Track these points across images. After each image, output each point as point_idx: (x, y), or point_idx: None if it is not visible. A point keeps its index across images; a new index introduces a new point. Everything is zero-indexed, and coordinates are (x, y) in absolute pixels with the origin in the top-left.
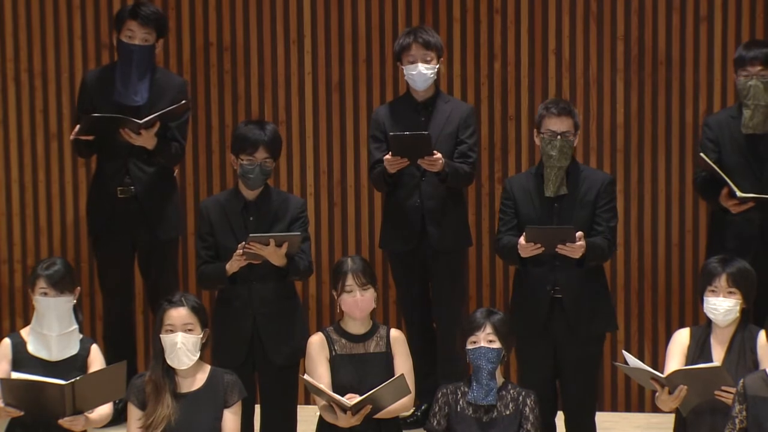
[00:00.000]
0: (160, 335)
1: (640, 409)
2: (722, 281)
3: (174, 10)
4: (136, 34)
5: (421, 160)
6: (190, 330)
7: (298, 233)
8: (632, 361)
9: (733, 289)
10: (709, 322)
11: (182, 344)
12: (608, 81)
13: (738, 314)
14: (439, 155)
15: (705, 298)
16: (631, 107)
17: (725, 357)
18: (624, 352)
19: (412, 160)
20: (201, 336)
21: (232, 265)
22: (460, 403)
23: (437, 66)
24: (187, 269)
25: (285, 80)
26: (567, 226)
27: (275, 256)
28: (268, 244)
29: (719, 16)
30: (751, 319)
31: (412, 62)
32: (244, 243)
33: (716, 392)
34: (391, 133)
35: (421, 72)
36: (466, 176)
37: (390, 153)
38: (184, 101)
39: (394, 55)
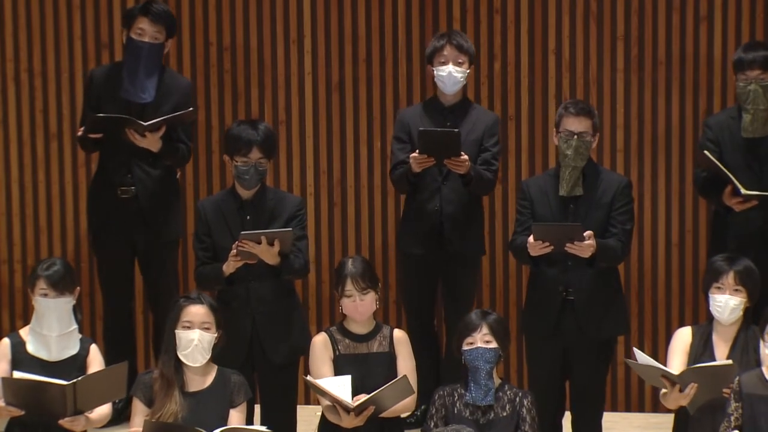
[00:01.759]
0: (176, 331)
1: (640, 409)
2: (729, 279)
3: (174, 10)
4: (146, 32)
5: (447, 160)
6: (207, 328)
7: (290, 229)
8: (643, 358)
9: (739, 287)
10: (710, 321)
11: (199, 341)
12: (608, 81)
13: (742, 312)
14: (466, 157)
15: (711, 295)
16: (631, 107)
17: (729, 355)
18: (634, 349)
19: (438, 159)
20: (216, 335)
21: (229, 266)
22: (457, 405)
23: (468, 71)
24: (187, 270)
25: (285, 80)
26: (574, 224)
27: (268, 254)
28: (260, 242)
29: (719, 16)
30: (750, 318)
31: (444, 63)
32: (237, 242)
33: (725, 390)
34: (421, 129)
35: (452, 74)
36: (489, 183)
37: (417, 151)
38: (191, 108)
39: (426, 57)
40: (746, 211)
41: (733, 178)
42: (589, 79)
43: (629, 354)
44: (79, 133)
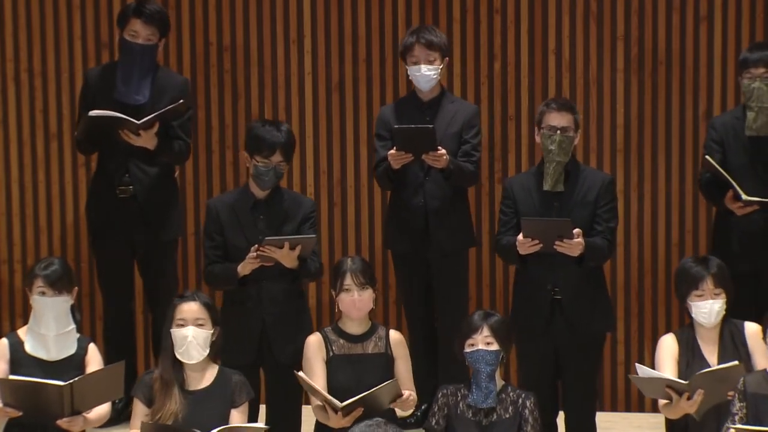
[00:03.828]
0: (171, 329)
1: (640, 409)
2: (709, 284)
3: (174, 10)
4: (140, 33)
5: (425, 155)
6: (201, 325)
7: (314, 236)
8: (645, 371)
9: (718, 290)
10: (690, 324)
11: (193, 338)
12: (608, 81)
13: (725, 312)
14: (443, 151)
15: (692, 303)
16: (631, 107)
17: (719, 354)
18: (637, 365)
19: (416, 155)
20: (212, 332)
21: (245, 267)
22: (460, 405)
23: (441, 66)
24: (186, 270)
25: (285, 80)
26: (563, 219)
27: (288, 258)
28: (282, 247)
29: (719, 16)
30: (752, 321)
31: (415, 63)
32: (257, 246)
33: (729, 393)
34: (395, 126)
35: (424, 73)
36: (471, 175)
37: (395, 147)
38: (181, 101)
39: (399, 54)
40: (750, 212)
41: (734, 184)
42: (589, 79)
43: (629, 353)
44: (76, 135)
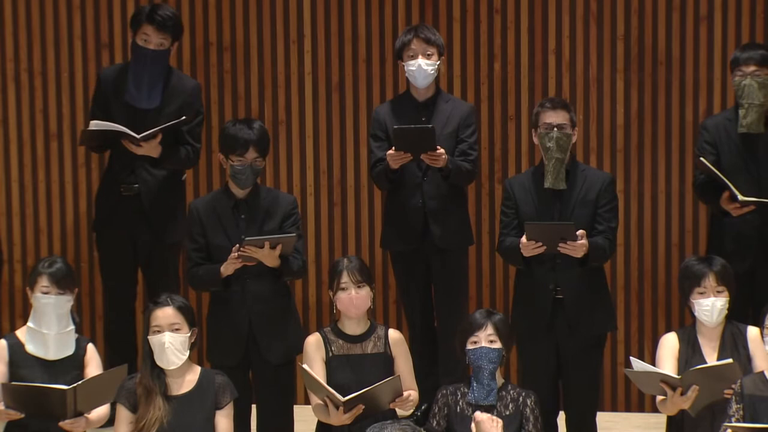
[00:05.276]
0: (148, 337)
1: (640, 409)
2: (711, 281)
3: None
4: (152, 39)
5: (424, 155)
6: (177, 329)
7: (293, 234)
8: (640, 365)
9: (721, 288)
10: (693, 323)
11: (170, 344)
12: (608, 81)
13: (727, 311)
14: (442, 150)
15: (694, 300)
16: (631, 107)
17: (719, 354)
18: (632, 358)
19: (415, 155)
20: (189, 335)
21: (227, 268)
22: (460, 403)
23: (438, 63)
24: None
25: (285, 80)
26: (567, 222)
27: (269, 258)
28: (262, 247)
29: (719, 16)
30: (750, 320)
31: (413, 57)
32: (238, 246)
33: (726, 391)
34: (395, 126)
35: (422, 67)
36: (468, 173)
37: (393, 148)
38: (183, 117)
39: (395, 53)
40: (745, 213)
41: (730, 185)
42: (589, 79)
43: (629, 353)
44: (78, 143)
